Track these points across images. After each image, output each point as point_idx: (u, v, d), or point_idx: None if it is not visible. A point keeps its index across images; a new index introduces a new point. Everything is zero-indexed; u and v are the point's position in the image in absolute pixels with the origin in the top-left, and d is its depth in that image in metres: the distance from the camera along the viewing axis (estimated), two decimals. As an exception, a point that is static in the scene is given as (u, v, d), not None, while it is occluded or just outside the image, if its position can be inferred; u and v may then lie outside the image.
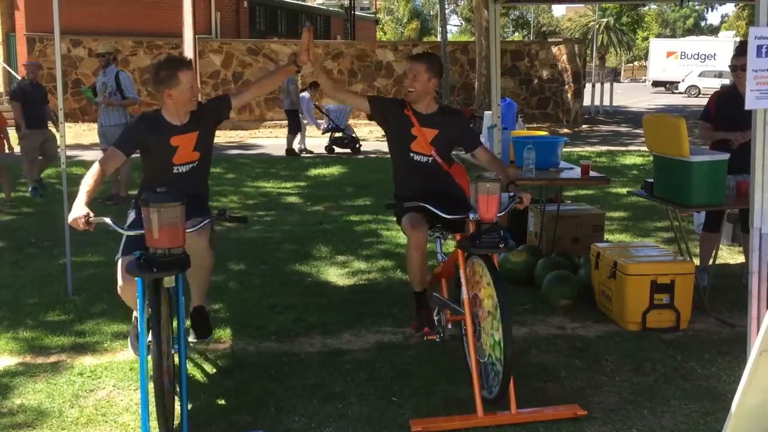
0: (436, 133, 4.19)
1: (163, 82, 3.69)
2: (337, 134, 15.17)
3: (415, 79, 4.11)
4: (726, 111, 5.37)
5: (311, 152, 15.02)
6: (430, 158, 4.21)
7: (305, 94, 15.25)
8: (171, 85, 3.69)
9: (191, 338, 3.96)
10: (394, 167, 4.39)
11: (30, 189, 9.67)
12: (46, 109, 9.68)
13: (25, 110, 9.48)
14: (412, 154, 4.21)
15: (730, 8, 71.28)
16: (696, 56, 45.05)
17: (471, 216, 3.68)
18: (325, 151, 15.08)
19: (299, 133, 14.98)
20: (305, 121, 15.39)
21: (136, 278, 3.29)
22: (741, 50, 4.92)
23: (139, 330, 3.35)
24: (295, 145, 14.99)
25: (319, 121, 15.70)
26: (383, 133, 4.46)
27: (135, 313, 3.77)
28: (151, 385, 3.27)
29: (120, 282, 3.60)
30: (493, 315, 3.65)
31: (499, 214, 3.64)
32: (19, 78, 16.40)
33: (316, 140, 15.69)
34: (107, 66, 9.22)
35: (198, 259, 3.63)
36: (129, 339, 4.12)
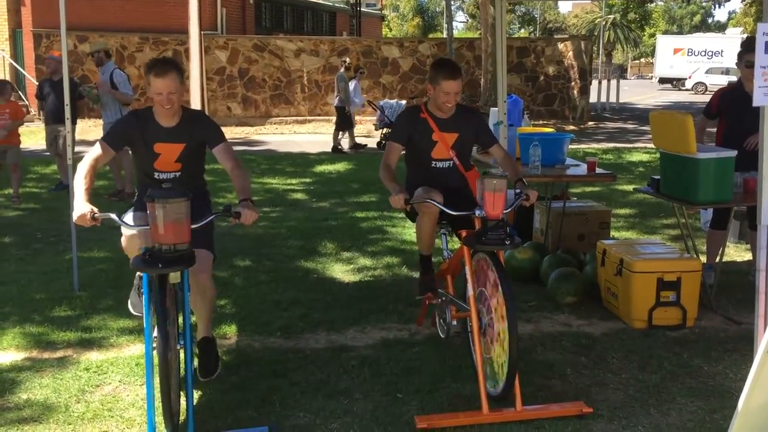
0: (456, 136, 4.19)
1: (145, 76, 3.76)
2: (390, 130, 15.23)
3: (456, 97, 4.08)
4: (728, 108, 5.38)
5: (363, 146, 15.00)
6: (451, 162, 4.21)
7: (354, 81, 15.32)
8: (148, 81, 3.70)
9: (199, 375, 3.82)
10: (410, 171, 4.36)
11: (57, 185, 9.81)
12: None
13: (46, 107, 9.46)
14: (433, 162, 4.21)
15: (737, 5, 71.06)
16: (703, 53, 44.93)
17: (477, 213, 3.67)
18: (377, 147, 15.09)
19: (346, 131, 14.97)
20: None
21: (139, 239, 3.35)
22: (748, 47, 4.90)
23: (144, 303, 3.37)
24: (344, 143, 15.00)
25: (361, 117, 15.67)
26: None
27: (138, 272, 3.77)
28: (156, 381, 3.28)
29: (123, 239, 3.70)
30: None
31: (505, 211, 3.63)
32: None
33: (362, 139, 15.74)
34: (101, 64, 9.23)
35: (200, 289, 3.64)
36: (130, 299, 4.14)
